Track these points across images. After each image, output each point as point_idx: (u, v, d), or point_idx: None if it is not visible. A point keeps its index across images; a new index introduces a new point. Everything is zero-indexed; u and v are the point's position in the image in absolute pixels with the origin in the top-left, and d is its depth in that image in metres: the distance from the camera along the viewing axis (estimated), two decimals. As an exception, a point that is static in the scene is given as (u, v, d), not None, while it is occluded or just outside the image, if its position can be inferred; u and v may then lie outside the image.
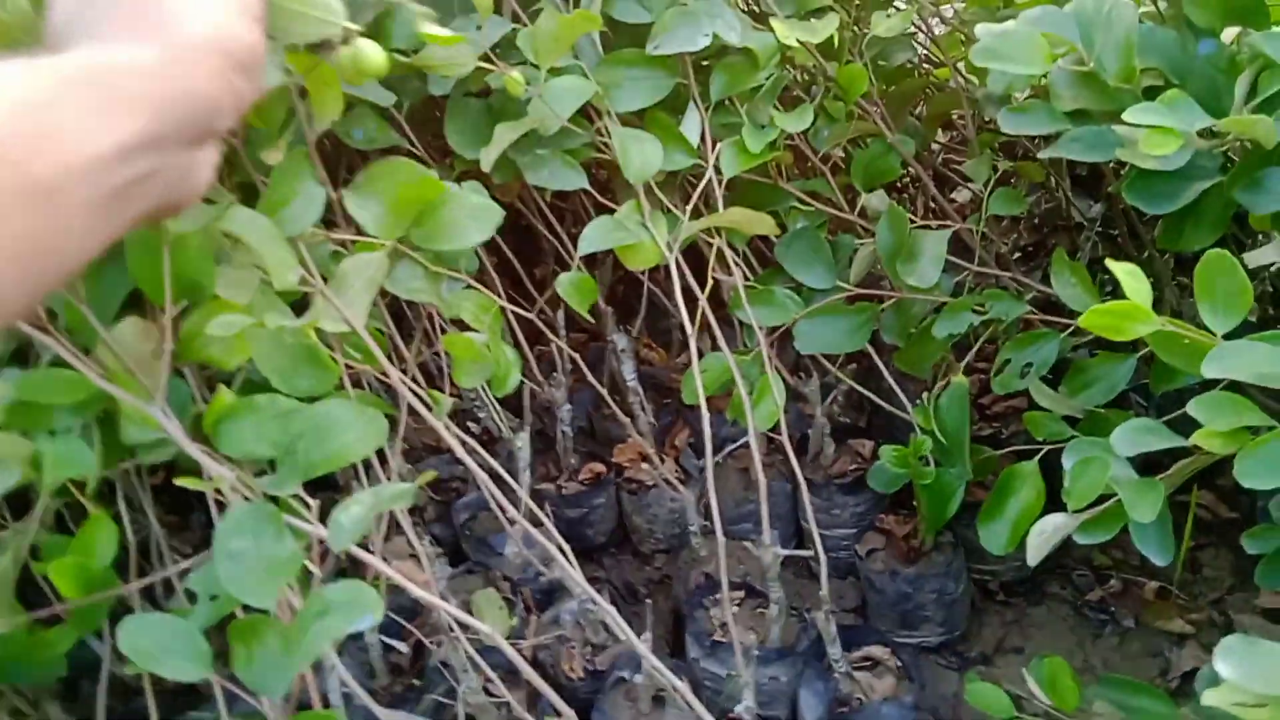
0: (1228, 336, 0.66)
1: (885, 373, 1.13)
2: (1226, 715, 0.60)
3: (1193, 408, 0.70)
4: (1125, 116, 0.71)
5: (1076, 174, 1.39)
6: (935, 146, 1.52)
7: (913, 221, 1.06)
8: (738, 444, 1.20)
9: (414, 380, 0.84)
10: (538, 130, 0.91)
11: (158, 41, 0.33)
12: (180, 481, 0.70)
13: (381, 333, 0.82)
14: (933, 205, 1.29)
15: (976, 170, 1.15)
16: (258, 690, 0.65)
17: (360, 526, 0.67)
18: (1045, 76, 0.87)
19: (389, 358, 0.78)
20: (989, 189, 1.13)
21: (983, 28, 0.82)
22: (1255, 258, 0.79)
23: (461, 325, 0.84)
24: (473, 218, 0.79)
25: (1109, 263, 0.67)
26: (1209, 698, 0.59)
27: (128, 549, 0.85)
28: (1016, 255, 1.49)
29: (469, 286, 0.93)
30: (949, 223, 1.08)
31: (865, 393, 1.18)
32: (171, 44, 0.33)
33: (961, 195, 1.53)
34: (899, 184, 1.51)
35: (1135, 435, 0.75)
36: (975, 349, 1.13)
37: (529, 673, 0.74)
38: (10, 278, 0.27)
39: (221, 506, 0.69)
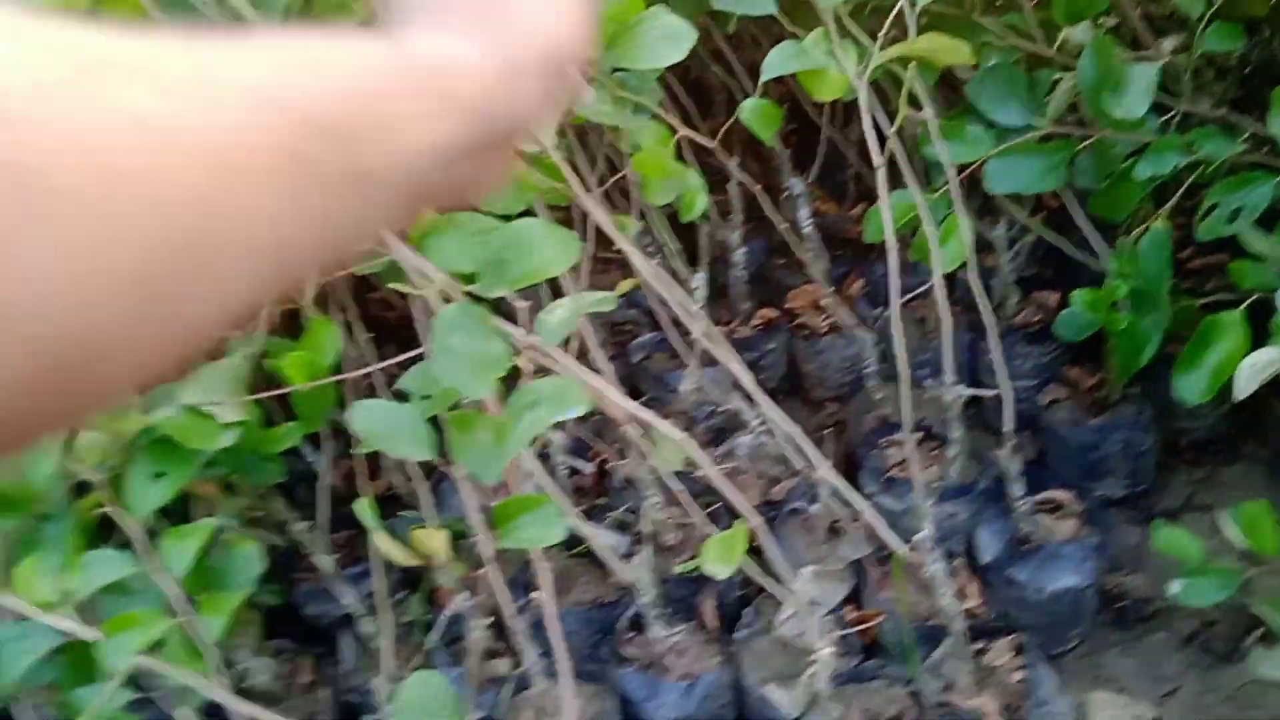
0: None
1: (1078, 219, 1.08)
2: None
3: None
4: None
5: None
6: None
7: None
8: (918, 291, 1.19)
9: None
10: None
11: (494, 42, 0.33)
12: (394, 285, 0.74)
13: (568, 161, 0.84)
14: (1140, 48, 1.21)
15: (1191, 3, 1.07)
16: (476, 473, 0.70)
17: (565, 326, 0.71)
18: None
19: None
20: (1204, 24, 1.05)
21: None
22: None
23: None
24: (666, 38, 0.80)
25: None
26: None
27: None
28: (1226, 105, 1.38)
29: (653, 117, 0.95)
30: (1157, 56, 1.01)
31: (1055, 241, 1.14)
32: (506, 54, 0.33)
33: (1168, 44, 1.42)
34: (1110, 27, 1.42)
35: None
36: (1178, 195, 1.07)
37: (720, 482, 0.77)
38: (312, 255, 0.29)
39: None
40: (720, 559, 0.79)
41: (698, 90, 1.29)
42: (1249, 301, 0.92)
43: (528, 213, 0.81)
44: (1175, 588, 0.91)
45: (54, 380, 0.22)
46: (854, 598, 0.99)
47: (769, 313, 1.27)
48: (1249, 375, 0.77)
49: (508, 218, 0.76)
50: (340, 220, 0.29)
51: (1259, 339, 0.86)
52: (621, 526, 1.02)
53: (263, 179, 0.26)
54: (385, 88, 0.29)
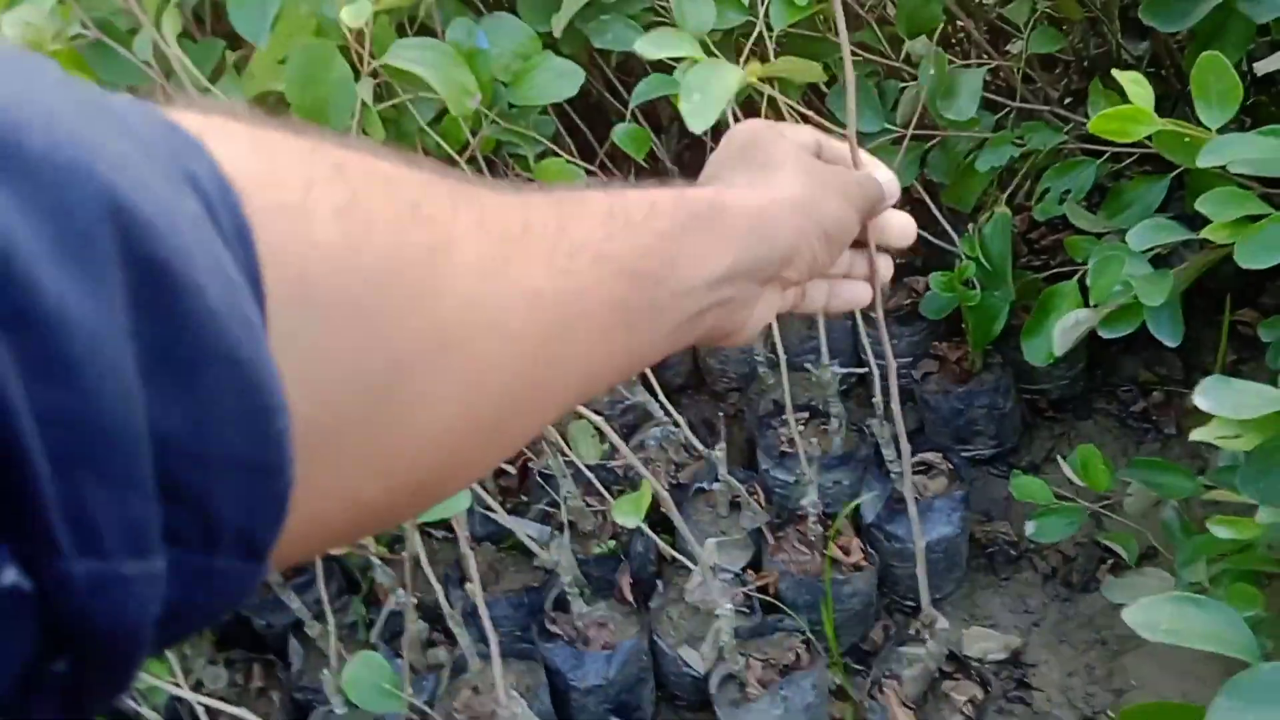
0: (1221, 131, 0.73)
1: (934, 209, 1.21)
2: (1228, 474, 0.70)
3: (1200, 204, 0.79)
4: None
5: (1126, 14, 1.42)
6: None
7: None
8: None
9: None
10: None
11: (765, 194, 0.40)
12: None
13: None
14: (984, 54, 1.34)
15: (1018, 11, 1.20)
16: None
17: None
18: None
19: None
20: (1029, 28, 1.18)
21: None
22: (1264, 66, 0.85)
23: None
24: (558, 77, 0.91)
25: (1114, 72, 0.75)
26: (1197, 434, 0.69)
27: None
28: (1068, 99, 1.53)
29: (546, 151, 1.05)
30: (989, 61, 1.14)
31: (917, 230, 1.27)
32: (772, 197, 0.39)
33: (1016, 47, 1.56)
34: (952, 38, 1.56)
35: (1149, 232, 0.83)
36: (1016, 183, 1.20)
37: (635, 462, 0.87)
38: (607, 380, 0.33)
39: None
40: (629, 512, 0.90)
41: (599, 112, 1.40)
42: (1082, 273, 1.05)
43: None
44: (1030, 528, 1.04)
45: (411, 507, 0.27)
46: (755, 563, 1.10)
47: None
48: (1063, 333, 0.90)
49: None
50: (633, 349, 0.32)
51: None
52: (544, 518, 1.11)
53: (593, 326, 0.30)
54: (676, 231, 0.34)
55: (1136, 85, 0.74)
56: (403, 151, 0.27)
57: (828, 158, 0.46)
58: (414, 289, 0.23)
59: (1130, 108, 0.74)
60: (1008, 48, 1.56)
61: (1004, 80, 1.28)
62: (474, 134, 0.97)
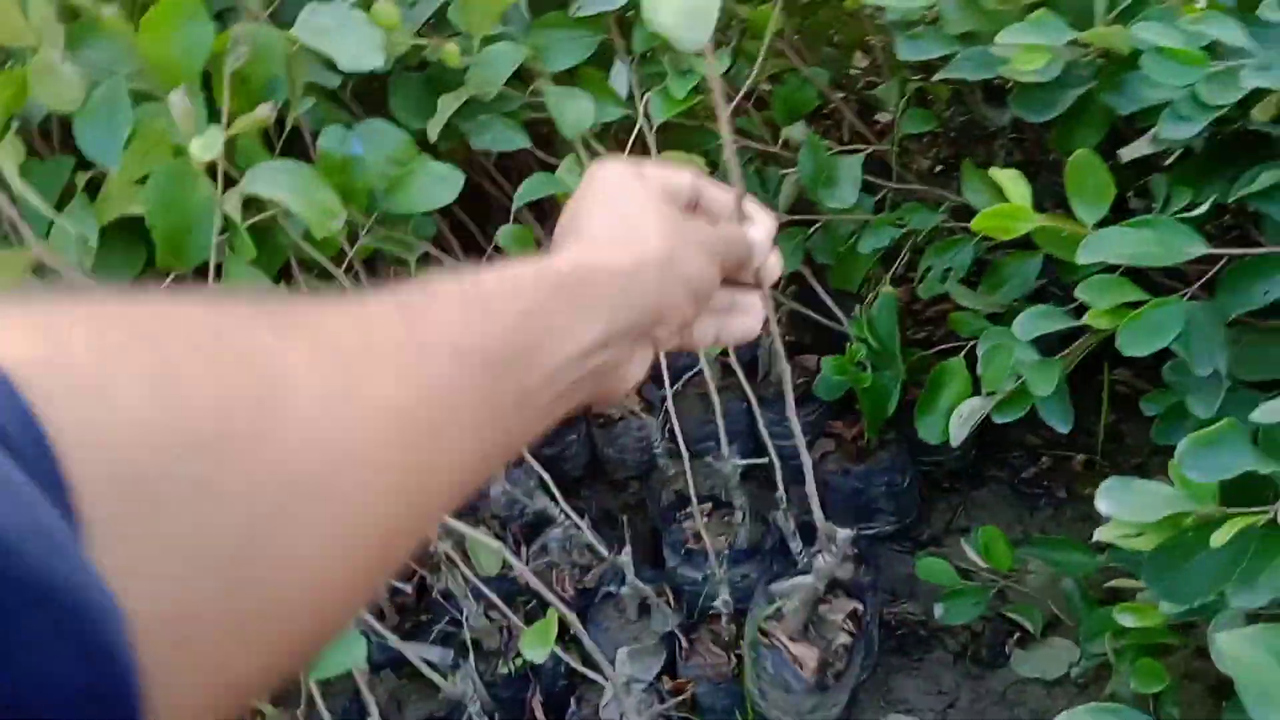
0: (1097, 225, 0.75)
1: (821, 291, 1.22)
2: (1126, 552, 0.71)
3: (1080, 291, 0.80)
4: (998, 39, 0.80)
5: (989, 85, 1.48)
6: (857, 73, 1.60)
7: (840, 145, 1.15)
8: (694, 371, 1.29)
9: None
10: (478, 97, 0.98)
11: (627, 254, 0.38)
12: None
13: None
14: (859, 137, 1.37)
15: (888, 94, 1.23)
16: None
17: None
18: (936, 4, 0.96)
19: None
20: (901, 110, 1.21)
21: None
22: (1129, 152, 0.88)
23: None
24: (436, 182, 0.88)
25: (992, 171, 0.76)
26: (1100, 534, 0.70)
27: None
28: (939, 169, 1.58)
29: (426, 254, 1.02)
30: (864, 146, 1.16)
31: (806, 311, 1.28)
32: (636, 257, 0.38)
33: (885, 117, 1.61)
34: (826, 114, 1.59)
35: (1034, 320, 0.85)
36: (901, 260, 1.22)
37: (536, 583, 0.84)
38: (487, 472, 0.31)
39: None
40: (536, 645, 0.86)
41: (482, 201, 1.37)
42: (969, 348, 1.07)
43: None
44: (939, 611, 1.04)
45: (296, 664, 0.24)
46: (669, 667, 1.07)
47: (564, 405, 1.35)
48: (959, 424, 0.90)
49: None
50: (508, 438, 0.31)
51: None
52: (445, 639, 1.06)
53: (463, 426, 0.28)
54: (537, 307, 0.32)
55: (1013, 183, 0.76)
56: (237, 284, 0.25)
57: (707, 205, 0.46)
58: (249, 443, 0.21)
59: (1010, 206, 0.76)
60: (876, 118, 1.61)
61: (881, 157, 1.31)
62: (352, 242, 0.94)
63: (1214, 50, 0.74)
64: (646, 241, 0.39)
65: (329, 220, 0.79)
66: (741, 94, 1.22)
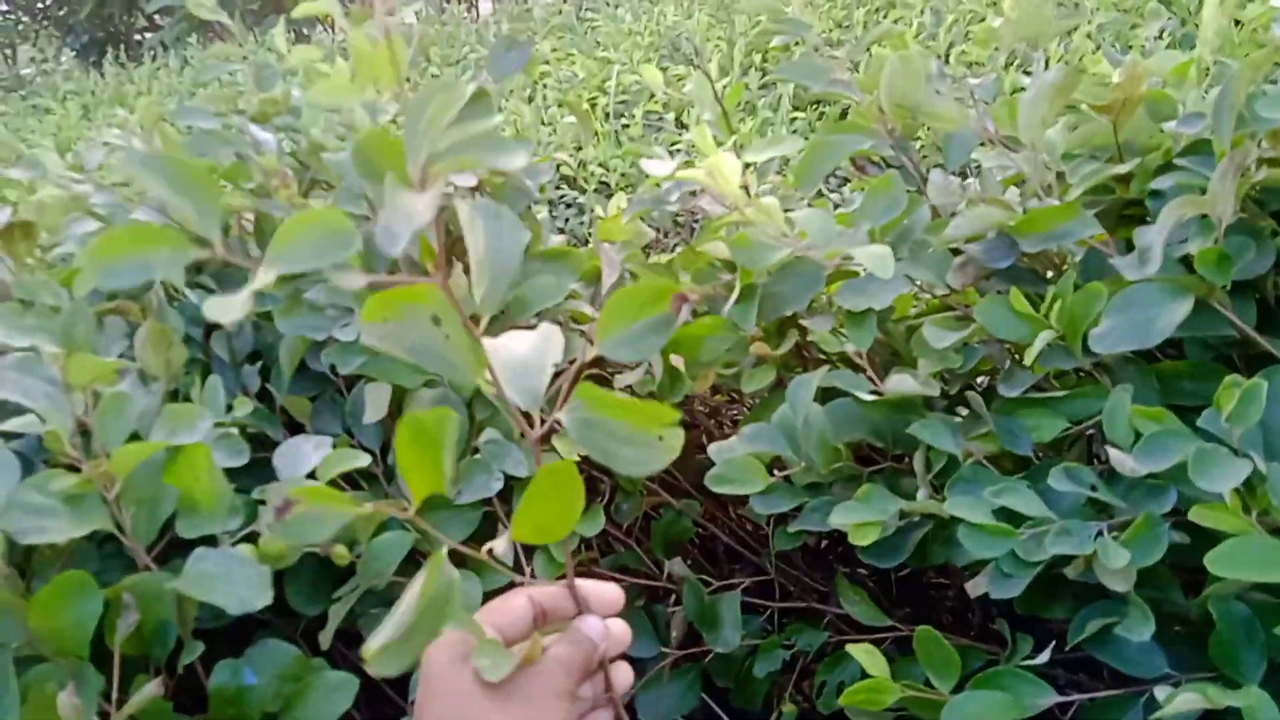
0: (953, 691, 0.81)
1: (724, 717, 1.24)
2: None
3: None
4: (831, 520, 0.89)
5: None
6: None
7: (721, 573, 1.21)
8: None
9: None
10: (371, 588, 1.03)
11: None
12: None
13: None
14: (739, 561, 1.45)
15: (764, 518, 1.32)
16: None
17: None
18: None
19: None
20: (772, 529, 1.30)
21: (714, 449, 1.00)
22: (974, 589, 0.96)
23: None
24: (335, 690, 0.90)
25: (849, 648, 0.83)
26: None
27: None
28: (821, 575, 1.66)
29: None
30: (742, 579, 1.24)
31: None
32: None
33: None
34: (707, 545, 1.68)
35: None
36: (798, 672, 1.26)
37: None
38: None
39: None
40: None
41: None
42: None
43: None
44: None
45: None
46: None
47: None
48: None
49: None
50: None
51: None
52: None
53: None
54: None
55: (869, 658, 0.82)
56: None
57: (551, 610, 0.53)
58: None
59: (875, 680, 0.81)
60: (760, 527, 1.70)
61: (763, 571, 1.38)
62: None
63: (1018, 518, 0.84)
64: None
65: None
66: (623, 528, 1.31)
